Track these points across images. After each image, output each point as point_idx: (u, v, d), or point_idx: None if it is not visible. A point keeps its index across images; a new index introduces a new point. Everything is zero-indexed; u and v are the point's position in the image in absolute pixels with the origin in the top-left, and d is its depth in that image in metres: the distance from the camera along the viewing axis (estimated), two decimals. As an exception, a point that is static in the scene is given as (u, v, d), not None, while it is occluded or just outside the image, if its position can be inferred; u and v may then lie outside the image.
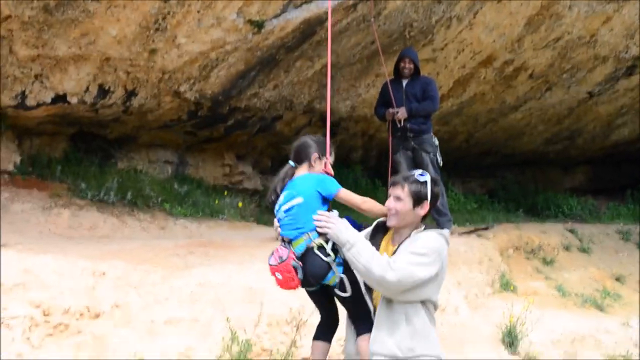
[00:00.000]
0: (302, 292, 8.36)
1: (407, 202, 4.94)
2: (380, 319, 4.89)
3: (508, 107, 16.02)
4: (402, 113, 11.30)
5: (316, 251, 5.05)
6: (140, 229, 10.69)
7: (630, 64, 15.40)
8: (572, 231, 14.97)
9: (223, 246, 9.74)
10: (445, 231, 5.20)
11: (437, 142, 11.59)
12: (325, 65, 11.98)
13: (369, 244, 4.92)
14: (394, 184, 5.02)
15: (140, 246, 9.11)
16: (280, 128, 13.70)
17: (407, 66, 11.50)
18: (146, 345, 7.18)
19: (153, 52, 9.76)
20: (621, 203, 20.22)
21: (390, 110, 11.42)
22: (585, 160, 21.15)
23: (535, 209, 18.57)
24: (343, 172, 15.66)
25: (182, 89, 10.84)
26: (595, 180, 22.18)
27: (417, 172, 5.03)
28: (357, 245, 4.83)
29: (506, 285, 11.05)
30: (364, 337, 4.97)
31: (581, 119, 17.60)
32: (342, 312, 5.34)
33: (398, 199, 4.97)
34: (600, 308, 11.43)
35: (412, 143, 11.45)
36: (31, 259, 7.64)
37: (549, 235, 13.89)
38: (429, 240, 4.87)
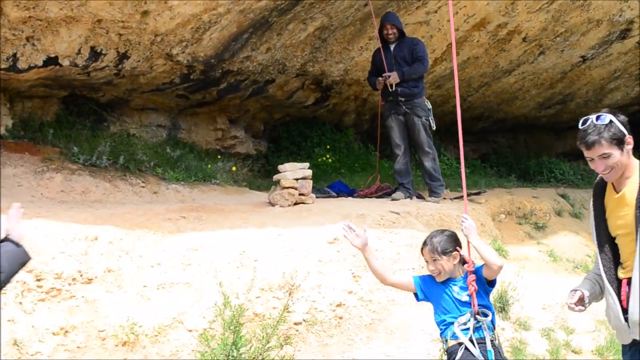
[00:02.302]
0: (294, 257, 8.39)
1: (614, 152, 4.56)
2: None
3: (501, 71, 16.00)
4: (393, 78, 11.31)
5: None
6: (133, 194, 10.65)
7: (624, 28, 15.36)
8: (563, 196, 14.99)
9: (215, 211, 9.72)
10: None
11: (429, 106, 11.60)
12: (319, 28, 11.94)
13: None
14: (590, 146, 4.61)
15: (133, 211, 9.08)
16: (272, 91, 13.65)
17: (391, 31, 11.53)
18: (138, 310, 7.19)
19: (145, 13, 9.67)
20: (613, 168, 20.23)
21: (383, 75, 11.44)
22: (578, 125, 21.13)
23: (528, 174, 18.59)
24: (336, 136, 15.67)
25: (174, 51, 10.78)
26: (587, 145, 22.17)
27: (598, 119, 4.67)
28: None
29: (498, 250, 11.05)
30: None
31: (574, 83, 17.59)
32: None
33: (605, 156, 4.57)
34: (591, 273, 11.46)
35: (404, 108, 11.45)
36: (23, 223, 7.61)
37: (540, 200, 13.90)
38: None
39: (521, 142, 21.07)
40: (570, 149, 21.91)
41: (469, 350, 5.18)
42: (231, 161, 13.47)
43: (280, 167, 10.61)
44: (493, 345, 5.24)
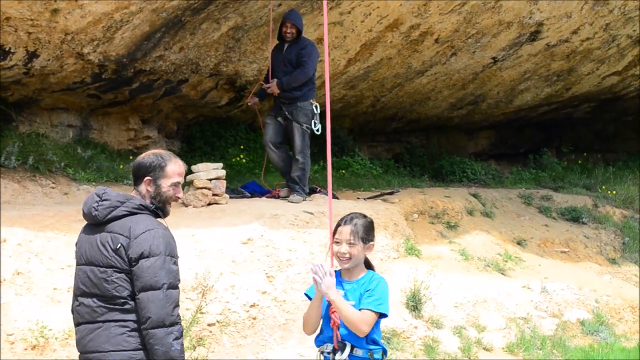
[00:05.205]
0: (207, 257, 8.35)
1: None
2: None
3: (414, 71, 16.13)
4: (272, 88, 11.13)
5: None
6: (42, 195, 10.49)
7: (534, 30, 15.62)
8: (475, 196, 15.19)
9: (128, 211, 9.61)
10: None
11: (317, 110, 11.30)
12: (233, 28, 11.89)
13: None
14: None
15: (42, 212, 8.94)
16: (186, 91, 13.54)
17: (289, 30, 11.31)
18: (49, 312, 7.09)
19: (55, 12, 9.52)
20: (523, 168, 20.60)
21: (263, 84, 11.30)
22: (489, 125, 21.50)
23: (440, 174, 18.77)
24: (250, 136, 15.62)
25: (85, 50, 10.62)
26: (498, 145, 22.57)
27: None
28: None
29: (411, 250, 11.16)
30: None
31: (485, 84, 17.83)
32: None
33: None
34: (502, 271, 11.64)
35: (286, 112, 11.25)
36: None
37: (453, 199, 14.06)
38: None
39: (434, 142, 21.28)
40: (482, 149, 22.26)
41: None
42: (144, 161, 13.32)
43: (193, 167, 10.55)
44: None
